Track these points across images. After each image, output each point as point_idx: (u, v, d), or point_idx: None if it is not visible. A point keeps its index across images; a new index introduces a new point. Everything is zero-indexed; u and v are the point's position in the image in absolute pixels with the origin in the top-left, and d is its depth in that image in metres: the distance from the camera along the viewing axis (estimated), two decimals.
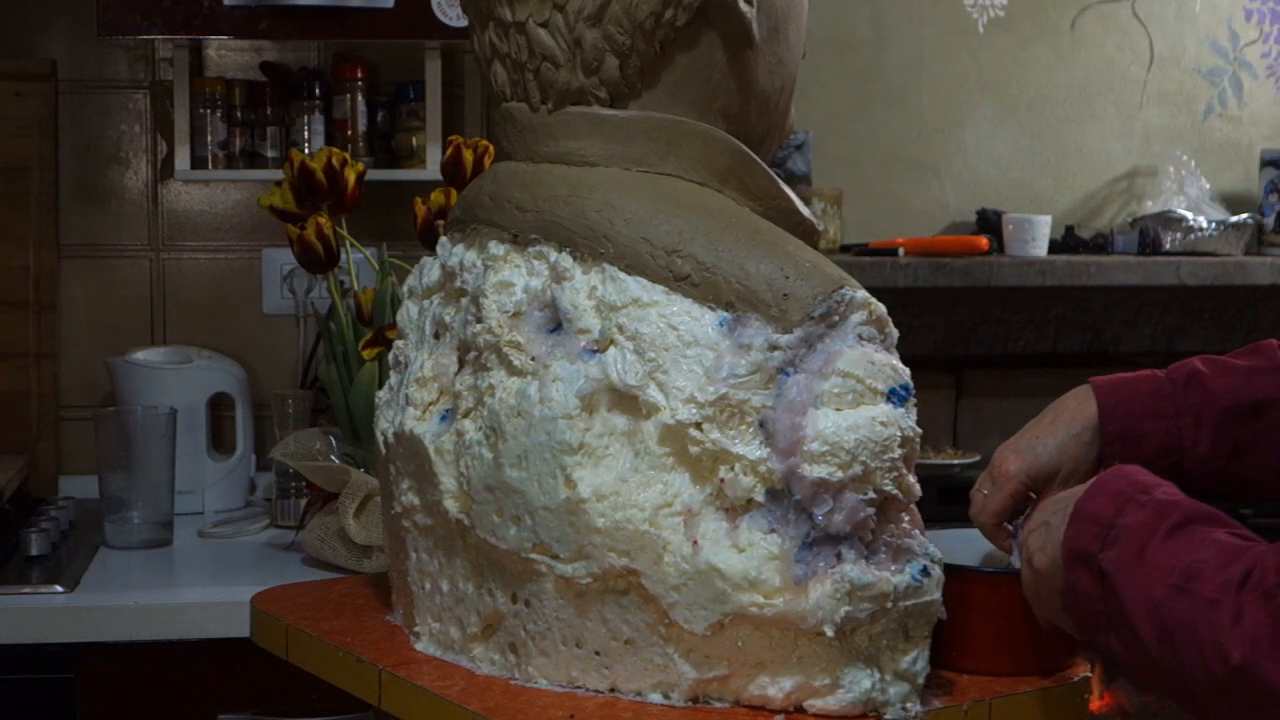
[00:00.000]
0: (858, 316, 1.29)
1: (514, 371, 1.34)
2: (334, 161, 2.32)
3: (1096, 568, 1.18)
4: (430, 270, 1.49)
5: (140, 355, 2.69)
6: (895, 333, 1.33)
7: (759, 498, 1.26)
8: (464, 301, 1.41)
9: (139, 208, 2.82)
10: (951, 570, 1.32)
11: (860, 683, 1.29)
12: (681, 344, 1.27)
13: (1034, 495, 1.42)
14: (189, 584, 2.30)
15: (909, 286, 2.99)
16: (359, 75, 2.73)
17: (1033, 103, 3.31)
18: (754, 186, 1.40)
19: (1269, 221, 3.25)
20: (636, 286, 1.30)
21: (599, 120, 1.37)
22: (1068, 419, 1.43)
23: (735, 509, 1.27)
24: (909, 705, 1.29)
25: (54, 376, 2.77)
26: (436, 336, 1.46)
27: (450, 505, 1.38)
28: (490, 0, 1.39)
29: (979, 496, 1.45)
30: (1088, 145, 3.32)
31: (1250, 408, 1.39)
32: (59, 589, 2.18)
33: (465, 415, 1.37)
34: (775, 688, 1.29)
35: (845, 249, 3.13)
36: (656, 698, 1.31)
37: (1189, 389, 1.40)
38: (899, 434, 1.27)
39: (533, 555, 1.32)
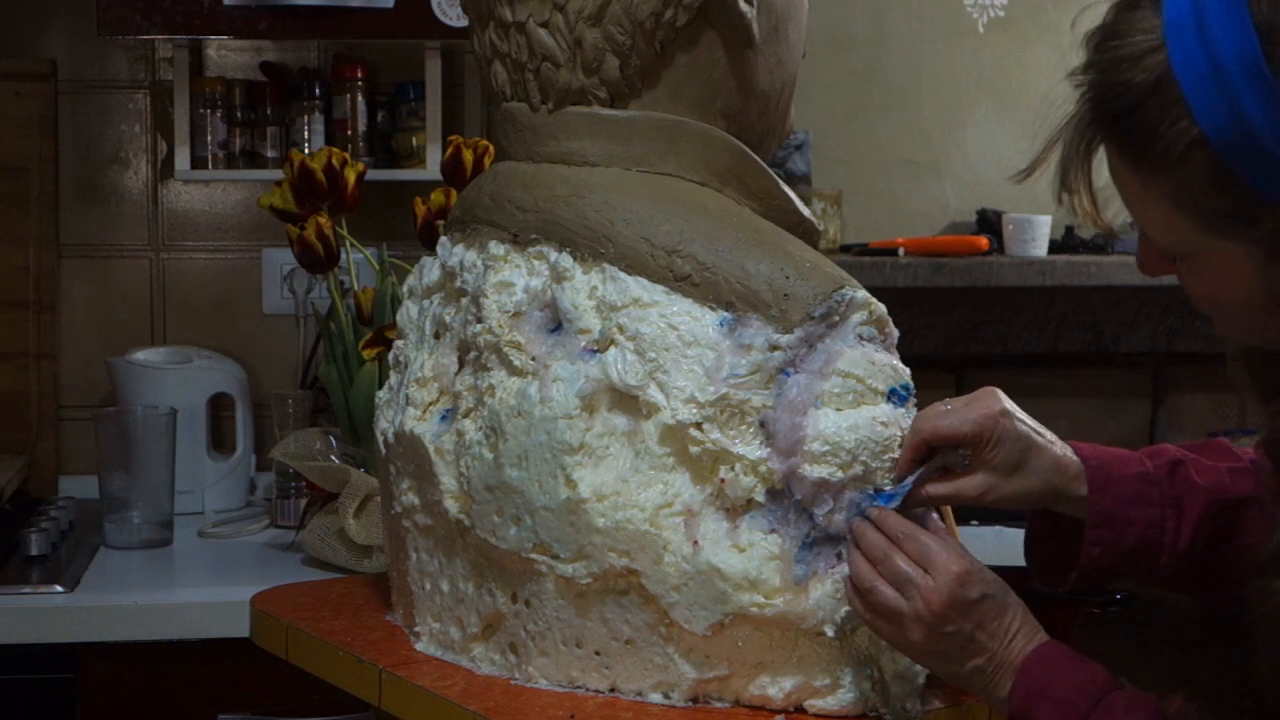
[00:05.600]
0: (858, 316, 1.29)
1: (514, 371, 1.33)
2: (334, 161, 2.32)
3: None
4: (430, 270, 1.49)
5: (140, 355, 2.69)
6: (895, 332, 1.33)
7: (759, 498, 1.26)
8: (464, 301, 1.41)
9: (139, 208, 2.81)
10: None
11: (860, 683, 1.29)
12: (682, 344, 1.27)
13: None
14: (189, 584, 2.29)
15: (909, 286, 2.99)
16: (359, 75, 2.73)
17: (1033, 103, 3.31)
18: (754, 186, 1.40)
19: None
20: (637, 286, 1.30)
21: (599, 120, 1.37)
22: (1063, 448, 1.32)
23: (736, 509, 1.27)
24: (909, 705, 1.29)
25: (54, 376, 2.77)
26: (437, 336, 1.45)
27: (450, 505, 1.38)
28: (491, 0, 1.39)
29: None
30: None
31: (1231, 504, 1.34)
32: (59, 589, 2.18)
33: (465, 415, 1.37)
34: (775, 688, 1.29)
35: (845, 249, 3.13)
36: (657, 698, 1.31)
37: (1174, 479, 1.34)
38: (899, 434, 1.28)
39: (533, 555, 1.32)
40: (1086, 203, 1.18)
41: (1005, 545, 1.56)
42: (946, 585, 1.21)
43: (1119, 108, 1.12)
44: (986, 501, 1.30)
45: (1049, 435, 1.32)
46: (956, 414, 1.28)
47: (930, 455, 1.29)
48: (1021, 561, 1.51)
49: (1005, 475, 1.29)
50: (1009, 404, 1.29)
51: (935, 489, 1.28)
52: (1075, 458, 1.31)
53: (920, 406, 1.31)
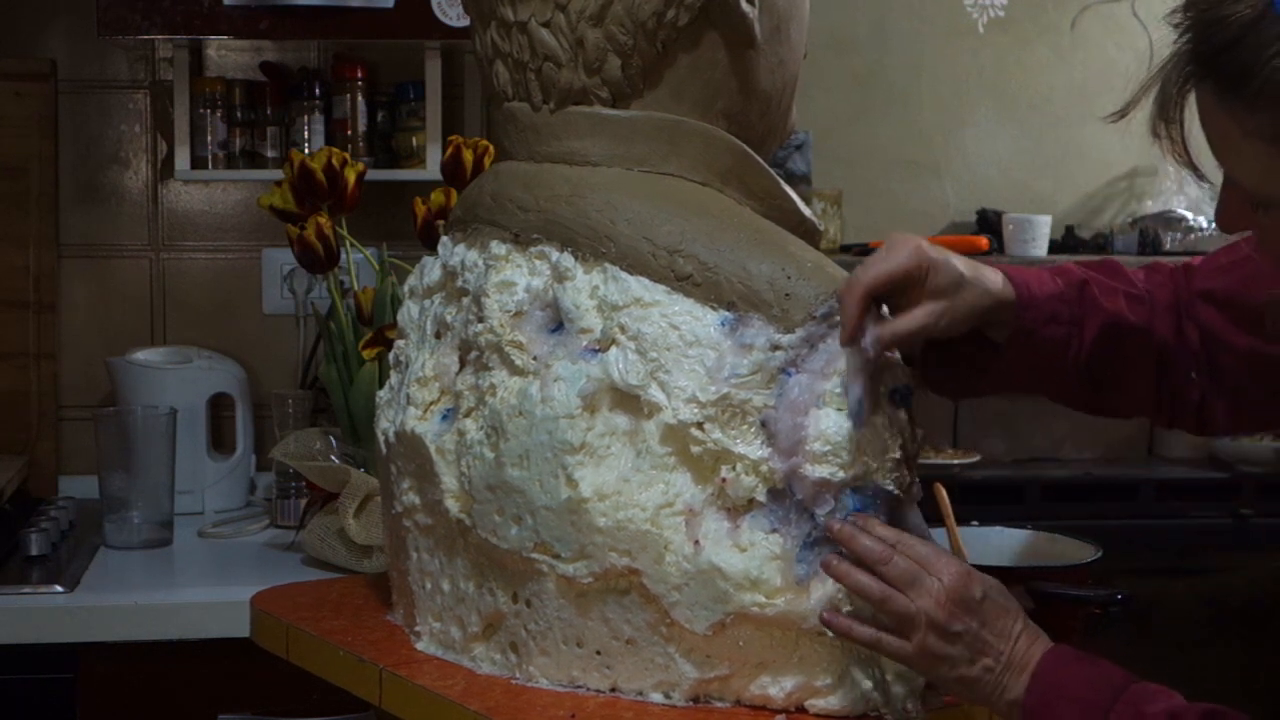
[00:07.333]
0: None
1: (515, 371, 1.33)
2: (334, 161, 2.32)
3: None
4: (431, 270, 1.49)
5: (140, 355, 2.69)
6: None
7: (760, 497, 1.26)
8: (465, 301, 1.41)
9: (139, 208, 2.81)
10: None
11: (861, 683, 1.29)
12: (683, 344, 1.27)
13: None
14: (189, 584, 2.29)
15: None
16: (359, 75, 2.73)
17: (1033, 103, 3.31)
18: (755, 186, 1.40)
19: None
20: (638, 286, 1.30)
21: (601, 120, 1.37)
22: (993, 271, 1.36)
23: (737, 509, 1.27)
24: (909, 705, 1.29)
25: (54, 376, 2.77)
26: (438, 336, 1.45)
27: (451, 505, 1.38)
28: (492, 0, 1.39)
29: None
30: (1088, 145, 3.32)
31: (1124, 329, 1.40)
32: (59, 589, 2.18)
33: (466, 415, 1.37)
34: (776, 687, 1.29)
35: (845, 249, 3.13)
36: (657, 697, 1.31)
37: (1082, 298, 1.39)
38: (900, 434, 1.28)
39: (534, 555, 1.32)
40: (1178, 136, 1.18)
41: (1006, 545, 1.56)
42: (951, 583, 1.21)
43: (1219, 43, 1.12)
44: (942, 327, 1.30)
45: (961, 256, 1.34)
46: (889, 257, 1.27)
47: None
48: (1023, 562, 1.51)
49: (951, 296, 1.30)
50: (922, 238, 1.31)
51: (894, 328, 1.27)
52: (994, 269, 1.35)
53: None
